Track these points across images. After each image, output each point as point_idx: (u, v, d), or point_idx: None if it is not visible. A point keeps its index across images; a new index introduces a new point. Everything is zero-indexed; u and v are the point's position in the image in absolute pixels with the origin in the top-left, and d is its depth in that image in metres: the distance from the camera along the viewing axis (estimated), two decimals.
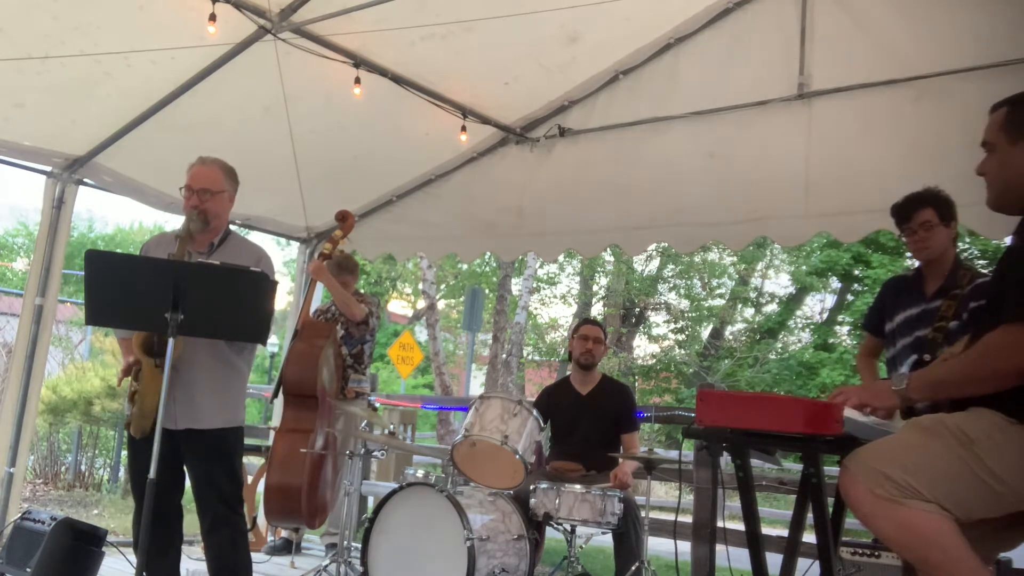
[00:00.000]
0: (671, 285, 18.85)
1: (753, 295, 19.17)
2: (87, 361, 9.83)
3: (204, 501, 3.32)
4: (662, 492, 11.49)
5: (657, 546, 4.21)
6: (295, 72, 4.32)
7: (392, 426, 4.51)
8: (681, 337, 18.99)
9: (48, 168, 4.87)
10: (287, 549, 5.40)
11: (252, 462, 6.03)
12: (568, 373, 4.75)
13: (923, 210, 3.27)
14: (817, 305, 19.22)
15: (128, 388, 3.36)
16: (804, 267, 17.20)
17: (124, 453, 9.18)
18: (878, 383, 2.52)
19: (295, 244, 6.58)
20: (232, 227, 3.59)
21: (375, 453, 4.83)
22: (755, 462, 2.51)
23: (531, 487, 3.97)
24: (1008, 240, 2.25)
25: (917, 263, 3.48)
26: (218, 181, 3.40)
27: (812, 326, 18.50)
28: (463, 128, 5.08)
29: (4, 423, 4.72)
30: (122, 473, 8.82)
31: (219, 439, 3.32)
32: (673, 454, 4.68)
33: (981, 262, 13.56)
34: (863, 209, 4.18)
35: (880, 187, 3.54)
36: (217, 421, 3.31)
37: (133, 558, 3.29)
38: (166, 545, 3.32)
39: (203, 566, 3.39)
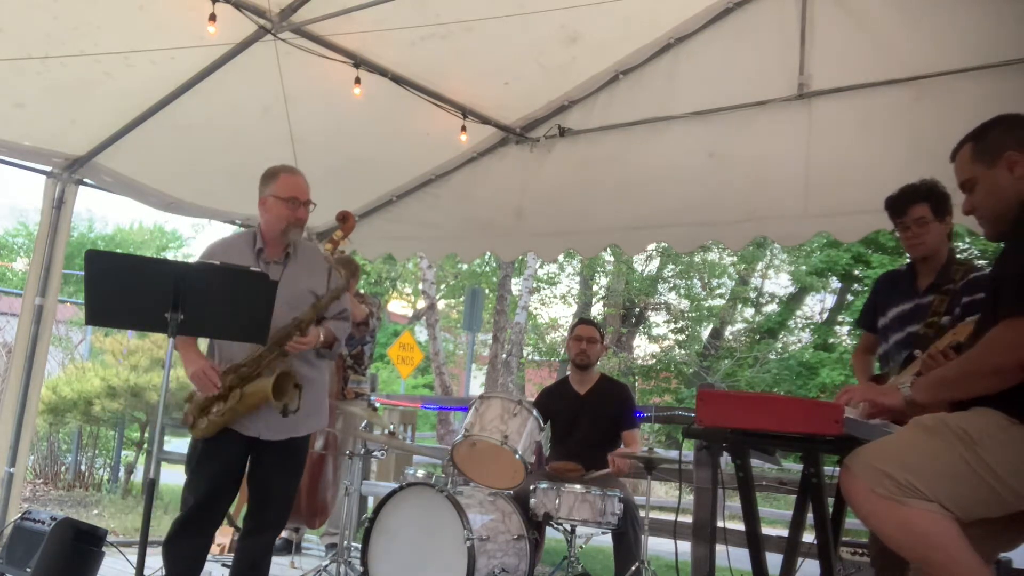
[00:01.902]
0: (671, 285, 18.84)
1: (753, 295, 19.17)
2: (87, 361, 9.82)
3: (276, 504, 3.36)
4: (662, 492, 11.48)
5: (657, 546, 4.21)
6: (295, 72, 4.32)
7: (392, 426, 4.51)
8: (681, 337, 18.98)
9: (48, 168, 4.87)
10: (287, 549, 5.40)
11: None
12: (567, 373, 4.76)
13: (918, 205, 3.21)
14: (817, 305, 19.24)
15: (194, 396, 3.32)
16: (804, 267, 17.20)
17: (125, 453, 9.18)
18: (886, 385, 2.53)
19: None
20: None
21: (375, 453, 4.83)
22: (755, 462, 2.51)
23: (531, 487, 3.97)
24: None
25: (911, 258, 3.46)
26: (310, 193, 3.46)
27: (812, 326, 18.51)
28: (463, 128, 5.08)
29: (4, 423, 4.71)
30: (121, 473, 8.82)
31: (304, 443, 3.42)
32: (673, 454, 4.68)
33: (981, 262, 13.54)
34: (863, 209, 4.16)
35: (880, 187, 3.52)
36: (311, 427, 3.43)
37: (133, 558, 3.29)
38: (201, 552, 3.34)
39: (205, 567, 3.39)
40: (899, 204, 3.27)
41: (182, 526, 3.26)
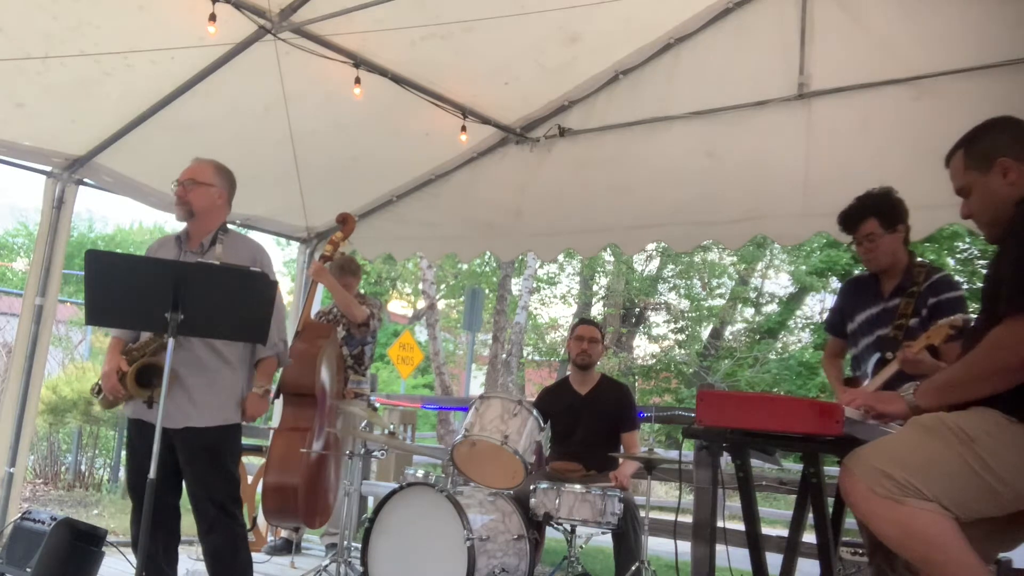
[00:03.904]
0: (671, 285, 18.86)
1: (753, 295, 19.17)
2: (87, 361, 9.82)
3: (200, 502, 3.31)
4: (662, 492, 11.48)
5: (657, 546, 4.21)
6: (295, 72, 4.32)
7: (392, 426, 4.51)
8: (681, 337, 18.99)
9: (48, 168, 4.87)
10: (287, 549, 5.40)
11: (252, 462, 6.03)
12: (568, 373, 4.76)
13: (866, 222, 3.26)
14: (817, 305, 19.20)
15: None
16: (804, 267, 17.20)
17: (125, 453, 9.19)
18: (888, 391, 2.53)
19: (295, 244, 6.58)
20: (230, 226, 3.58)
21: (375, 453, 4.83)
22: (755, 462, 2.52)
23: (531, 487, 3.97)
24: None
25: None
26: (205, 174, 3.39)
27: (812, 326, 18.49)
28: (463, 128, 5.08)
29: (4, 423, 4.72)
30: (122, 473, 8.82)
31: (217, 437, 3.31)
32: (673, 454, 4.69)
33: (980, 262, 13.58)
34: None
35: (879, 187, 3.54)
36: (216, 418, 3.30)
37: (133, 558, 3.29)
38: (164, 546, 3.32)
39: (203, 566, 3.40)
40: (848, 221, 3.34)
41: (133, 524, 3.29)
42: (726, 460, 6.85)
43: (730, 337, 19.22)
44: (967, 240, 13.41)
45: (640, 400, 14.77)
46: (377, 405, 6.20)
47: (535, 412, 3.98)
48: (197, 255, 3.36)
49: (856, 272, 16.78)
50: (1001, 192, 2.14)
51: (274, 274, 3.52)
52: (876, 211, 3.25)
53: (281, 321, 3.57)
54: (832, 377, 3.62)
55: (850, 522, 2.59)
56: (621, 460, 4.34)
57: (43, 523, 3.86)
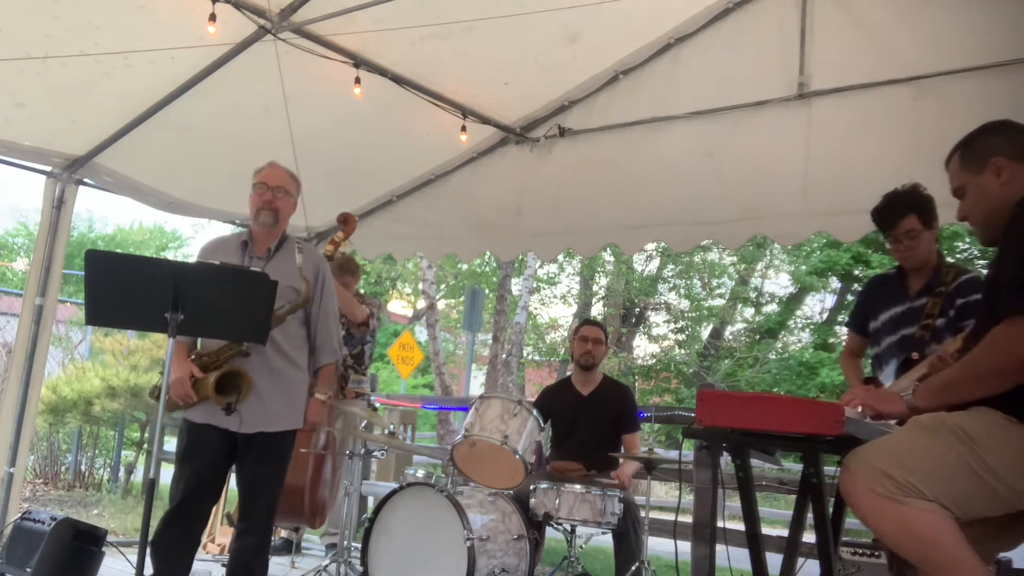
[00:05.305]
0: (671, 285, 18.86)
1: (753, 295, 19.18)
2: (87, 361, 9.81)
3: (254, 504, 3.34)
4: (662, 492, 11.48)
5: (657, 546, 4.21)
6: (295, 72, 4.32)
7: (392, 426, 4.51)
8: (681, 337, 19.00)
9: (48, 168, 4.87)
10: (287, 549, 5.40)
11: None
12: (568, 373, 4.76)
13: (907, 218, 3.20)
14: (817, 305, 19.25)
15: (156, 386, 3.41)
16: (804, 267, 17.21)
17: (125, 453, 9.19)
18: (888, 391, 2.53)
19: None
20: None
21: (375, 453, 4.83)
22: (755, 462, 2.52)
23: (531, 487, 3.97)
24: None
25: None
26: (290, 184, 3.48)
27: (812, 326, 18.51)
28: (463, 128, 5.07)
29: (4, 423, 4.71)
30: (121, 473, 8.82)
31: (286, 442, 3.38)
32: (673, 454, 4.69)
33: (980, 262, 13.59)
34: (862, 208, 4.11)
35: (879, 187, 3.52)
36: (286, 423, 3.36)
37: (133, 558, 3.29)
38: (187, 549, 3.33)
39: (202, 566, 3.40)
40: (887, 217, 3.26)
41: (167, 523, 3.27)
42: (726, 460, 6.86)
43: (730, 337, 19.22)
44: (967, 240, 13.41)
45: (640, 400, 14.75)
46: (377, 405, 6.20)
47: (535, 412, 3.98)
48: (263, 261, 3.41)
49: (857, 272, 16.81)
50: (994, 192, 2.16)
51: (332, 284, 3.57)
52: (916, 208, 3.19)
53: (337, 325, 3.58)
54: (851, 375, 3.55)
55: (850, 522, 2.59)
56: (621, 460, 4.35)
57: (43, 523, 3.87)
